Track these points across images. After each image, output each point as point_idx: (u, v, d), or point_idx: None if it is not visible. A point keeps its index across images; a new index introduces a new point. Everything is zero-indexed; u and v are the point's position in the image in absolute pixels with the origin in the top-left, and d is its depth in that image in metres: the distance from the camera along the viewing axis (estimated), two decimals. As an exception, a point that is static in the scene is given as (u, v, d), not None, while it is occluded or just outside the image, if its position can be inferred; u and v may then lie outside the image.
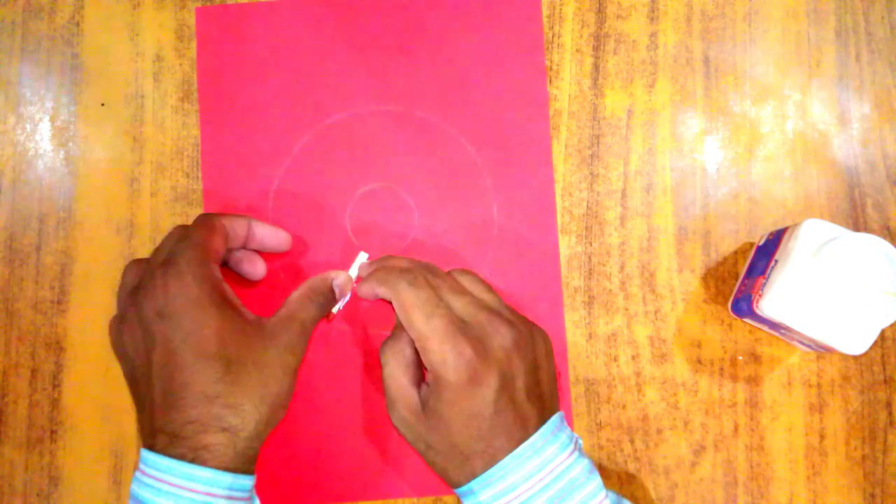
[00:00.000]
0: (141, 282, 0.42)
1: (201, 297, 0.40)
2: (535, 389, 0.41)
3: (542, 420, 0.41)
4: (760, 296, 0.45)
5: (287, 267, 0.51)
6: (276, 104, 0.53)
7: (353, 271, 0.49)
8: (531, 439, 0.39)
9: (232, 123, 0.53)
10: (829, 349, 0.44)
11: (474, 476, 0.39)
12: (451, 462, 0.40)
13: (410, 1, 0.53)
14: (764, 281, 0.45)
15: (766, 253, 0.48)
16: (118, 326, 0.43)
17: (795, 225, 0.45)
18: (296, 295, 0.44)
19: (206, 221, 0.44)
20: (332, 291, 0.46)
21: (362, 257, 0.50)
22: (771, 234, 0.49)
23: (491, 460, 0.39)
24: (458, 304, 0.42)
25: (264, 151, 0.52)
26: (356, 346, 0.51)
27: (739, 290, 0.49)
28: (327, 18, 0.53)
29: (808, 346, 0.48)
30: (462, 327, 0.40)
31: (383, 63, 0.53)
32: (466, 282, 0.44)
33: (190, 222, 0.52)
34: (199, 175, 0.52)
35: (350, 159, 0.52)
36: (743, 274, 0.50)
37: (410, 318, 0.41)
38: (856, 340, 0.43)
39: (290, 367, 0.41)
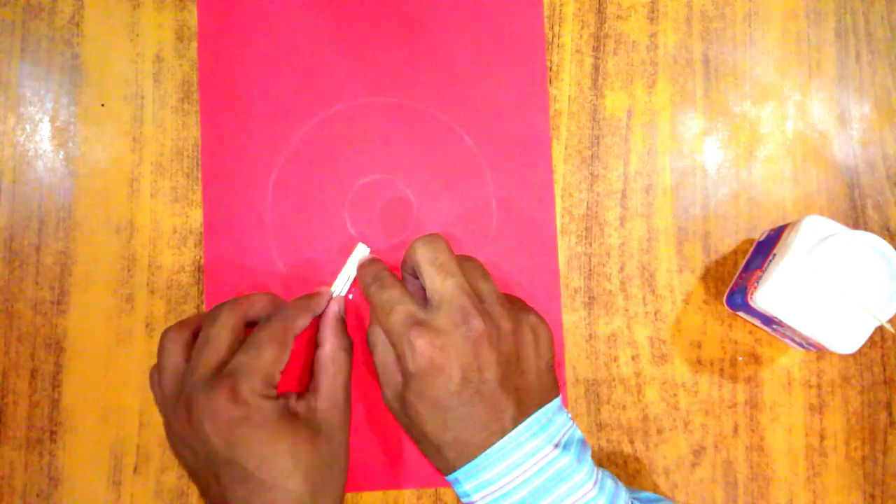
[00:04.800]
0: (193, 392, 0.41)
1: (276, 435, 0.40)
2: (515, 381, 0.41)
3: (524, 412, 0.40)
4: (755, 288, 0.45)
5: (286, 259, 0.51)
6: (277, 95, 0.53)
7: (353, 264, 0.49)
8: (514, 432, 0.40)
9: (232, 113, 0.53)
10: (820, 347, 0.44)
11: (452, 466, 0.40)
12: (427, 451, 0.42)
13: None
14: (760, 274, 0.45)
15: (765, 248, 0.48)
16: (172, 428, 0.43)
17: (797, 221, 0.45)
18: (324, 358, 0.45)
19: (276, 337, 0.43)
20: (338, 316, 0.48)
21: (361, 249, 0.50)
22: (772, 229, 0.49)
23: (463, 451, 0.40)
24: (439, 292, 0.42)
25: (263, 142, 0.52)
26: (359, 335, 0.51)
27: (735, 284, 0.50)
28: (329, 10, 0.53)
29: (800, 345, 0.48)
30: (421, 321, 0.41)
31: (384, 55, 0.53)
32: (464, 268, 0.44)
33: (189, 223, 0.52)
34: (199, 176, 0.52)
35: (349, 151, 0.53)
36: (741, 268, 0.50)
37: (377, 317, 0.43)
38: (847, 339, 0.43)
39: (346, 466, 0.44)
